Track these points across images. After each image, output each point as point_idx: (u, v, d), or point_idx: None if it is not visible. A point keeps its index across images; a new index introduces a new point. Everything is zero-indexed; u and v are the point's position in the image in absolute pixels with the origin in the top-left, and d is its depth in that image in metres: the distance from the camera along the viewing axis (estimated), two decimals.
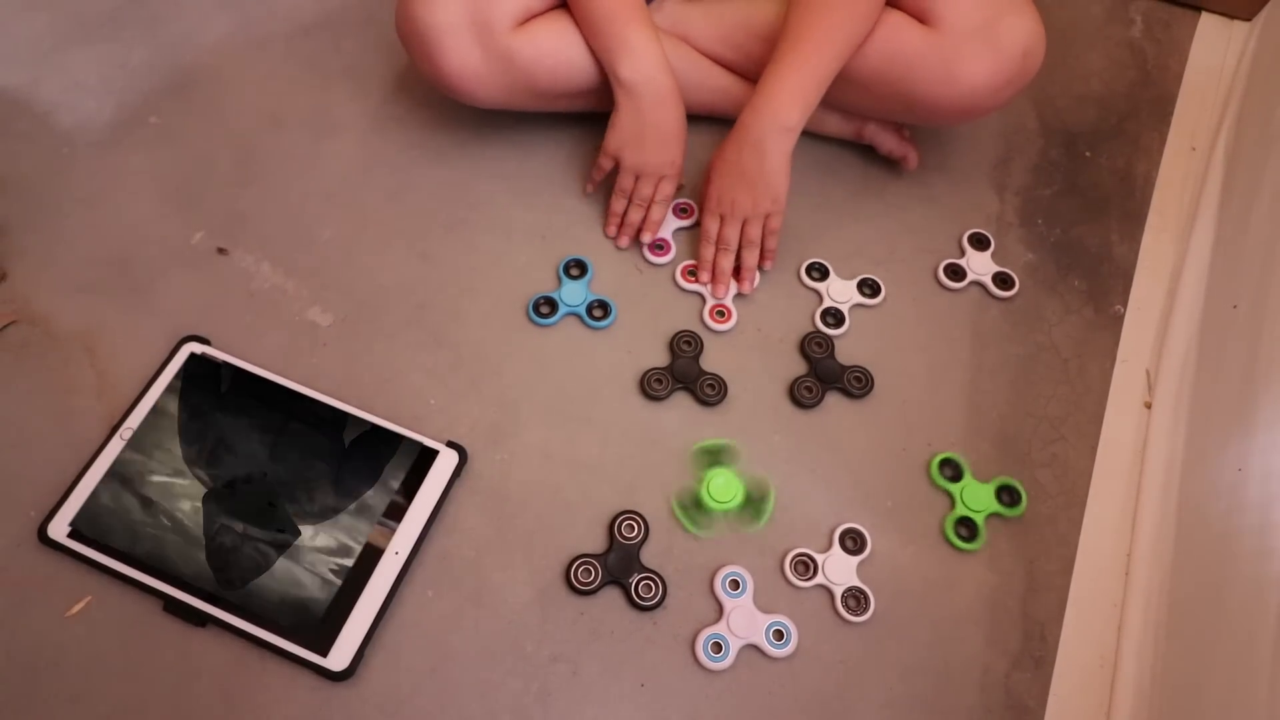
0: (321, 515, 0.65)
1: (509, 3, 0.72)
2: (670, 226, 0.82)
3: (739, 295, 0.79)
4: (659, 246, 0.80)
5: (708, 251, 0.78)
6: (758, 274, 0.78)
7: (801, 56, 0.69)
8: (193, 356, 0.72)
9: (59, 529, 0.63)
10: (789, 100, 0.69)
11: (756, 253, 0.76)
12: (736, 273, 0.78)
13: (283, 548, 0.64)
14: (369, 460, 0.68)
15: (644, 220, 0.79)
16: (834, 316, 0.78)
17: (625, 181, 0.77)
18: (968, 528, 0.69)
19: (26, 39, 0.91)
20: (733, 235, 0.75)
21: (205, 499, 0.65)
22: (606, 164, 0.78)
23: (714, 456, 0.71)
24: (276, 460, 0.67)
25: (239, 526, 0.64)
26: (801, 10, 0.69)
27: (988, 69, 0.70)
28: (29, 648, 0.61)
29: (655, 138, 0.74)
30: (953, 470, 0.71)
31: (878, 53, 0.73)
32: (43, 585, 0.63)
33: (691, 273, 0.79)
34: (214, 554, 0.63)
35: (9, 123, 0.85)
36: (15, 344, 0.73)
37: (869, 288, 0.80)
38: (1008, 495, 0.70)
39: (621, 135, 0.74)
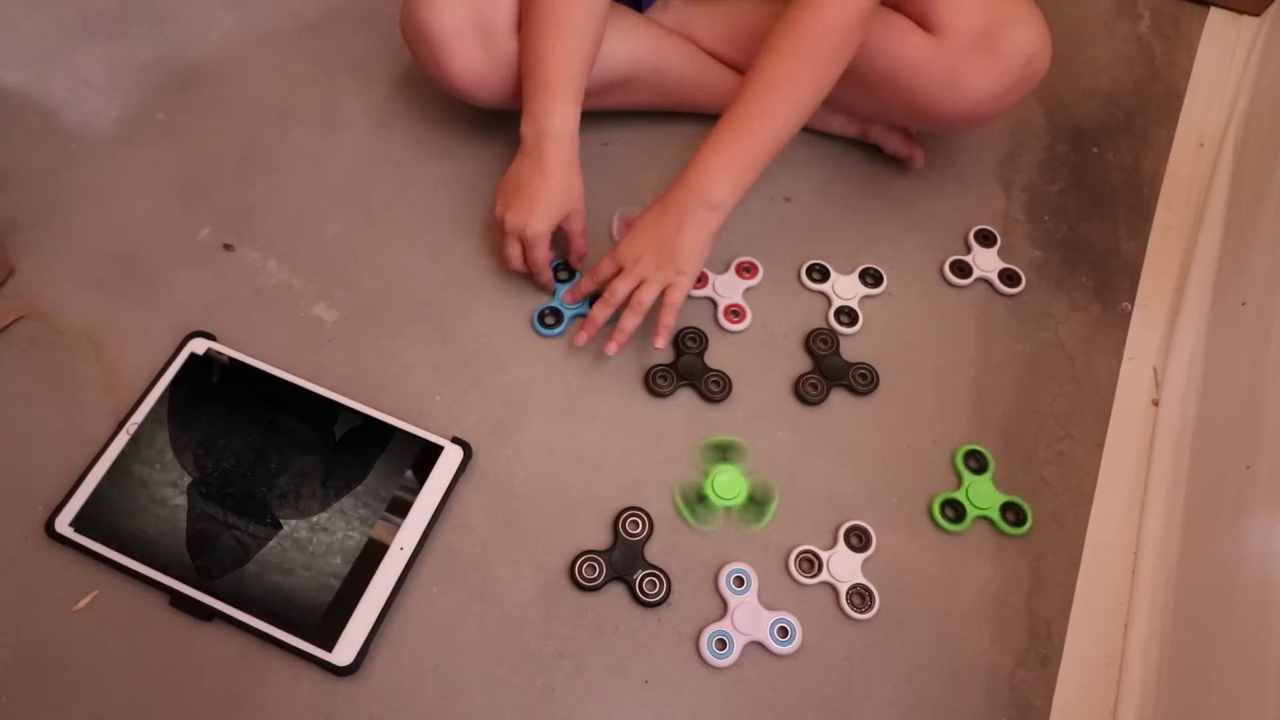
0: (325, 509, 0.65)
1: (512, 6, 0.71)
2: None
3: (748, 290, 0.79)
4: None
5: (587, 284, 0.73)
6: (670, 329, 0.70)
7: (736, 135, 0.67)
8: (198, 352, 0.72)
9: (66, 523, 0.64)
10: (717, 177, 0.67)
11: (638, 320, 0.69)
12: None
13: (287, 541, 0.64)
14: (369, 453, 0.68)
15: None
16: (848, 315, 0.78)
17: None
18: (954, 509, 0.69)
19: (33, 36, 0.92)
20: (623, 290, 0.69)
21: (209, 493, 0.65)
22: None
23: (722, 452, 0.71)
24: (279, 452, 0.67)
25: (241, 520, 0.64)
26: (746, 88, 0.67)
27: (990, 78, 0.70)
28: (36, 641, 0.61)
29: (525, 195, 0.70)
30: (977, 462, 0.71)
31: (880, 59, 0.72)
32: (49, 579, 0.63)
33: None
34: (217, 548, 0.63)
35: (17, 119, 0.86)
36: (23, 339, 0.73)
37: (871, 277, 0.80)
38: (1012, 514, 0.69)
39: (503, 181, 0.72)
